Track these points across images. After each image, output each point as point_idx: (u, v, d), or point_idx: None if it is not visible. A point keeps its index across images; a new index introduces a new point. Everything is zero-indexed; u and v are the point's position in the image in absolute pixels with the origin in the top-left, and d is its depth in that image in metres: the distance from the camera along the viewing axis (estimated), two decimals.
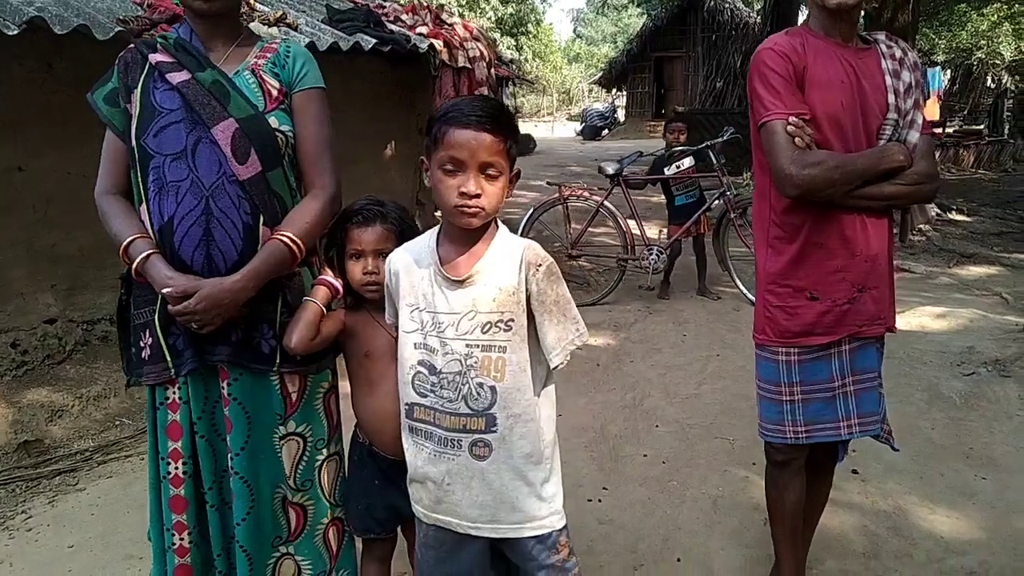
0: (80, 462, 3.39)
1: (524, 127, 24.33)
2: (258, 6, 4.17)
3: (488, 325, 1.50)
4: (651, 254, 5.68)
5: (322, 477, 1.90)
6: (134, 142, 1.69)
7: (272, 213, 1.72)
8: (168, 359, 1.71)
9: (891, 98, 1.91)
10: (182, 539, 1.79)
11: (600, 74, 28.44)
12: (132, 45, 1.80)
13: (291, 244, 1.69)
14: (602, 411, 3.80)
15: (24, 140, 3.83)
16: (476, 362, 1.50)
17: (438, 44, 5.11)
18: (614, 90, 28.15)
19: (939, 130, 16.83)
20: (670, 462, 3.25)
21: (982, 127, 17.71)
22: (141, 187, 1.70)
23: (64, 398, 3.83)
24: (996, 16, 19.90)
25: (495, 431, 1.52)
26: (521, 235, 5.56)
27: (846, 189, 1.84)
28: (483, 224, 1.51)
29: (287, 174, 1.77)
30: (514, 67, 6.96)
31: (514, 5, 28.23)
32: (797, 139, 1.82)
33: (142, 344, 1.75)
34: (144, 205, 1.70)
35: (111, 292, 4.30)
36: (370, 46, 4.61)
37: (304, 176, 1.81)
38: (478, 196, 1.44)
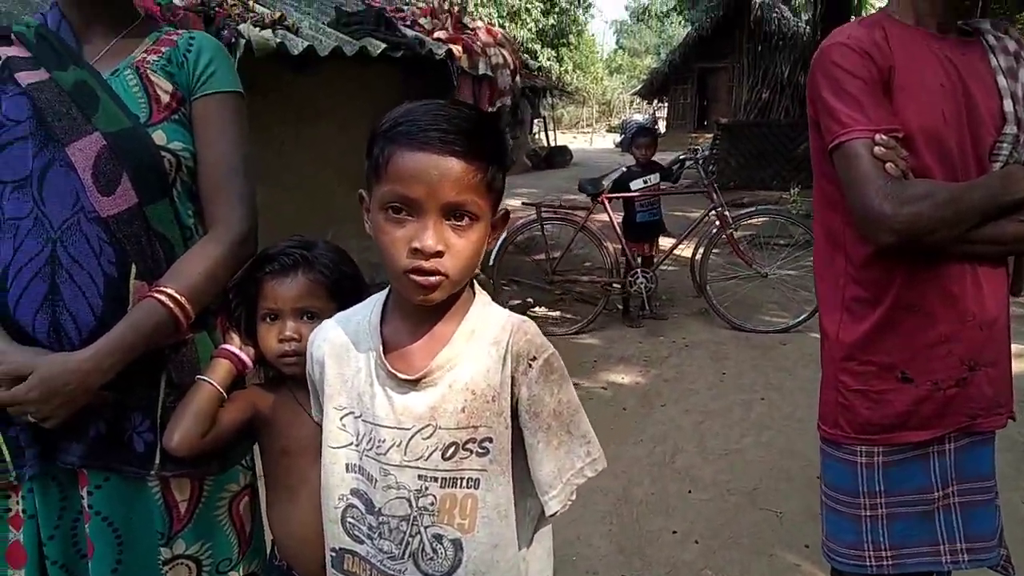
0: None
1: (562, 139, 23.95)
2: (256, 7, 3.78)
3: (453, 447, 1.01)
4: (639, 278, 5.31)
5: None
6: None
7: (151, 263, 1.25)
8: (7, 459, 1.25)
9: (1008, 105, 1.39)
10: None
11: (641, 85, 27.95)
12: None
13: (171, 304, 1.22)
14: (627, 469, 3.28)
15: None
16: (432, 503, 1.02)
17: (457, 50, 4.66)
18: (655, 101, 27.61)
19: None
20: (705, 541, 2.72)
21: None
22: None
23: None
24: None
25: None
26: (493, 263, 5.28)
27: (960, 231, 1.31)
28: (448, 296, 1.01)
29: (179, 208, 1.31)
30: (543, 73, 6.51)
31: (555, 16, 27.91)
32: (889, 165, 1.30)
33: None
34: None
35: None
36: (379, 51, 4.17)
37: (204, 209, 1.35)
38: (439, 255, 0.95)
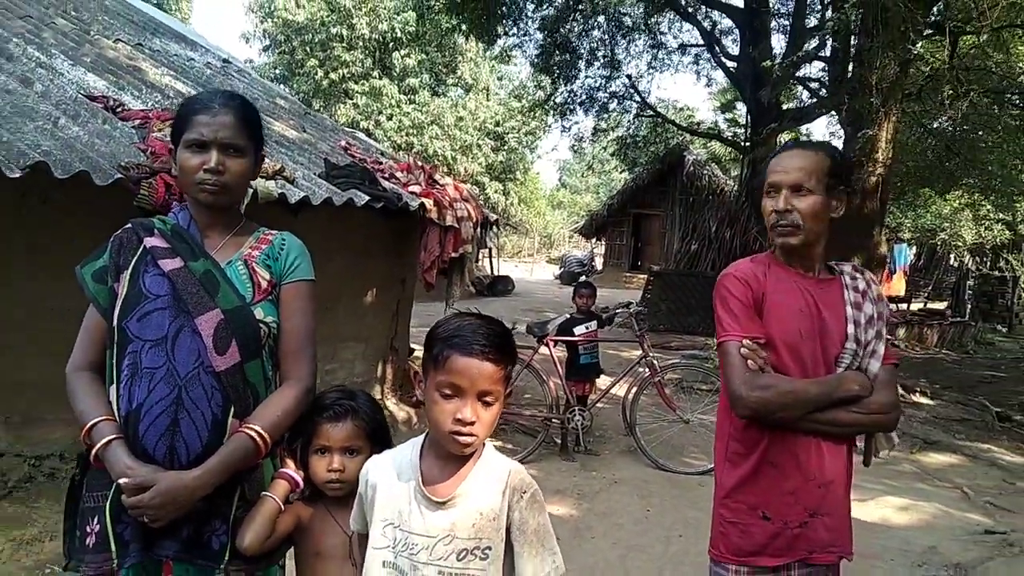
0: None
1: (504, 267, 24.87)
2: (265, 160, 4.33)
3: (464, 552, 1.46)
4: (576, 415, 5.88)
5: None
6: (116, 323, 1.70)
7: (244, 404, 1.71)
8: (113, 549, 1.65)
9: (850, 328, 1.98)
10: None
11: (581, 223, 29.43)
12: (129, 225, 1.84)
13: (258, 439, 1.68)
14: None
15: (3, 269, 3.85)
16: None
17: (428, 203, 5.30)
18: (594, 239, 29.05)
19: (904, 305, 17.45)
20: None
21: (945, 306, 18.39)
22: (115, 369, 1.70)
23: None
24: (957, 202, 21.12)
25: None
26: None
27: (799, 413, 1.88)
28: None
29: (264, 364, 1.78)
30: (499, 216, 7.23)
31: (504, 153, 29.53)
32: (750, 361, 1.89)
33: (88, 529, 1.69)
34: (115, 387, 1.69)
35: (64, 427, 4.19)
36: (363, 202, 4.77)
37: (282, 365, 1.82)
38: (473, 423, 1.44)
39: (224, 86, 6.63)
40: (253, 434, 1.68)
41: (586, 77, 16.19)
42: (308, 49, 26.17)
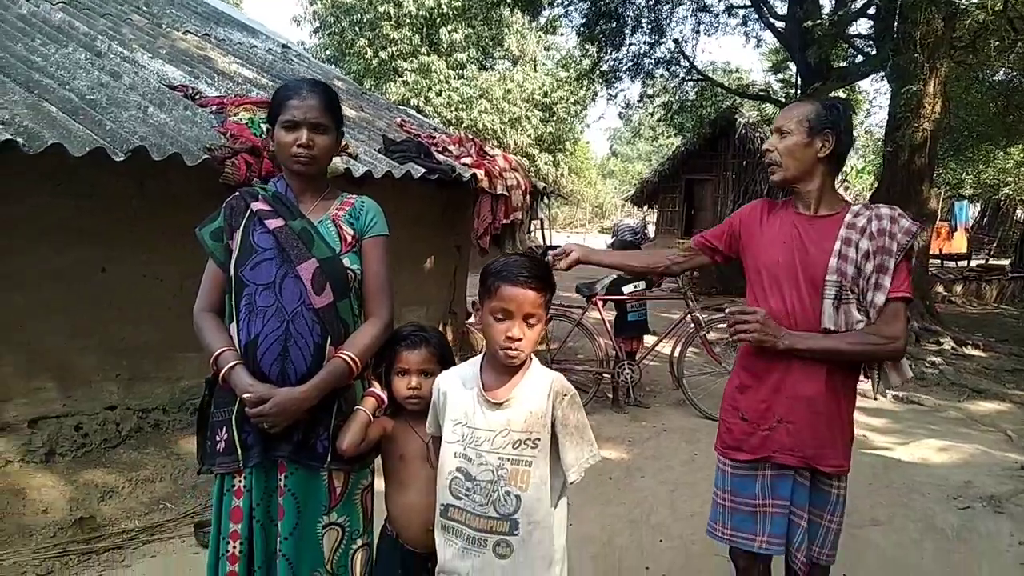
0: (127, 540, 3.67)
1: (556, 238, 25.14)
2: None
3: (518, 442, 1.82)
4: (625, 370, 6.20)
5: (354, 564, 2.19)
6: (232, 272, 2.09)
7: (338, 335, 2.09)
8: (239, 452, 2.06)
9: (833, 261, 2.20)
10: None
11: (632, 192, 29.37)
12: (237, 193, 2.23)
13: (351, 362, 2.06)
14: (610, 523, 4.02)
15: (109, 245, 4.34)
16: (506, 472, 1.81)
17: (480, 174, 5.65)
18: (645, 207, 28.97)
19: (964, 262, 17.15)
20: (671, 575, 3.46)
21: (1007, 262, 17.98)
22: (234, 309, 2.09)
23: (116, 480, 4.16)
24: (1021, 156, 20.48)
25: (517, 534, 1.80)
26: None
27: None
28: None
29: (352, 304, 2.15)
30: (549, 187, 7.53)
31: (553, 124, 29.60)
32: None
33: (217, 438, 2.10)
34: (235, 324, 2.09)
35: (165, 384, 4.72)
36: (419, 175, 5.14)
37: (365, 305, 2.20)
38: (520, 340, 1.79)
39: (285, 71, 7.07)
40: (347, 358, 2.06)
41: (631, 44, 16.18)
42: (357, 29, 26.64)
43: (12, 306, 4.03)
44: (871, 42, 11.84)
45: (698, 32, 16.64)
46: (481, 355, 1.96)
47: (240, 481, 2.08)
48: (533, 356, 1.92)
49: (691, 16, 16.26)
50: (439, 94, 25.87)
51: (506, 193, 5.90)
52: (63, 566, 3.40)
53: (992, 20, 7.46)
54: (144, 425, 4.58)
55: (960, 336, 9.12)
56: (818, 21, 9.69)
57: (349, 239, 2.18)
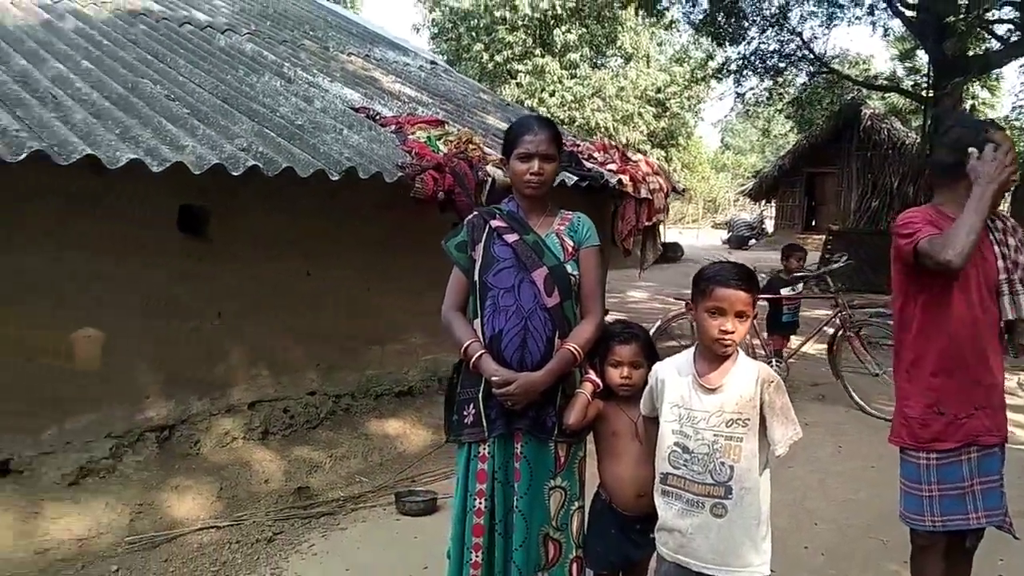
0: (336, 508, 4.26)
1: (669, 234, 25.04)
2: (490, 152, 5.20)
3: (731, 421, 2.17)
4: (773, 366, 6.27)
5: (572, 523, 2.59)
6: (477, 278, 2.55)
7: (564, 330, 2.51)
8: (484, 425, 2.51)
9: (1000, 263, 2.51)
10: (477, 557, 2.53)
11: (748, 186, 28.83)
12: (476, 212, 2.69)
13: (576, 352, 2.47)
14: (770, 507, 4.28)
15: (311, 252, 4.98)
16: (720, 447, 2.17)
17: (625, 179, 6.00)
18: (762, 201, 28.42)
19: None
20: (829, 555, 3.71)
21: None
22: (479, 308, 2.54)
23: (319, 456, 4.79)
24: None
25: (731, 498, 2.16)
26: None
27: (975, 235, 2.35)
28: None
29: (573, 304, 2.57)
30: (679, 187, 7.81)
31: (666, 119, 29.48)
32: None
33: (464, 413, 2.56)
34: (479, 320, 2.54)
35: (354, 373, 5.33)
36: (572, 182, 5.55)
37: (582, 305, 2.60)
38: (732, 332, 2.14)
39: (438, 87, 7.65)
40: (573, 349, 2.47)
41: (755, 41, 16.08)
42: (474, 34, 27.44)
43: (236, 309, 4.71)
44: (1016, 29, 11.37)
45: (827, 27, 16.26)
46: (694, 347, 2.33)
47: (485, 448, 2.53)
48: (739, 349, 2.27)
49: (818, 9, 15.93)
50: (552, 94, 26.29)
51: (649, 196, 6.22)
52: (291, 527, 4.01)
53: None
54: (337, 409, 5.22)
55: None
56: (960, 16, 9.45)
57: (570, 249, 2.59)
